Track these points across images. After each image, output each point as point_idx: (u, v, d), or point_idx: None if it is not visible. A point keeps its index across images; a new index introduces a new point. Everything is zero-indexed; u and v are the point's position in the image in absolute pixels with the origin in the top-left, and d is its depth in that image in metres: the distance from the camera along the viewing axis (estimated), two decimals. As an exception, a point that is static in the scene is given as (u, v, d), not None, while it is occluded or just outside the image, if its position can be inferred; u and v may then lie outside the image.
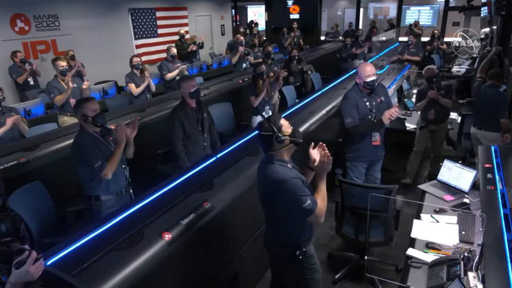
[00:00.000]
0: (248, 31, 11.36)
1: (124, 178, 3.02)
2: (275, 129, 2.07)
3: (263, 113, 4.91)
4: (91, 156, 2.74)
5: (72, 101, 4.83)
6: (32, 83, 6.33)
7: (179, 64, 6.30)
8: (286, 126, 2.11)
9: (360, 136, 3.53)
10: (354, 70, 6.86)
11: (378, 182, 3.77)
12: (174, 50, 6.22)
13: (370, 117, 3.47)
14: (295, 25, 11.32)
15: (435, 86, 4.43)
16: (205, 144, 3.70)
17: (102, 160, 2.76)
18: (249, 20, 15.54)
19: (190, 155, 3.59)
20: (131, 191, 3.08)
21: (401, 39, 10.64)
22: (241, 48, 7.36)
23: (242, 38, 7.81)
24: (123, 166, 3.02)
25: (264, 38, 10.76)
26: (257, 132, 2.15)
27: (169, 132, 3.59)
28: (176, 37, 9.86)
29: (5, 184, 3.08)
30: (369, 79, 3.37)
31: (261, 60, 6.61)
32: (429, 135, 4.64)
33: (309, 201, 1.99)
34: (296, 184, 2.01)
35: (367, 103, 3.48)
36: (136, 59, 5.56)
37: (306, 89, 7.38)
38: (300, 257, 2.13)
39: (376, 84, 3.46)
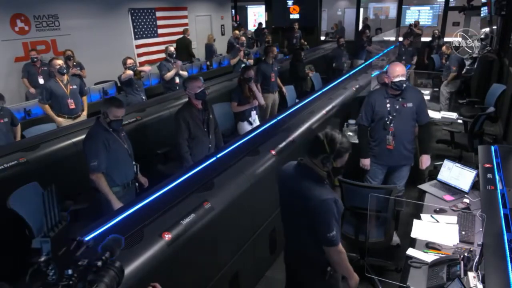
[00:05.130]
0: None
1: (132, 173, 3.19)
2: (335, 152, 1.92)
3: (250, 119, 4.77)
4: (93, 152, 2.90)
5: (70, 101, 4.83)
6: (42, 82, 6.27)
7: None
8: (342, 160, 1.97)
9: (378, 135, 3.46)
10: (354, 71, 6.90)
11: (401, 193, 3.54)
12: (171, 49, 6.21)
13: (386, 119, 3.35)
14: (296, 25, 11.38)
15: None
16: (210, 145, 3.68)
17: (99, 161, 2.90)
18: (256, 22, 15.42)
19: (195, 156, 3.57)
20: (136, 184, 3.24)
21: (401, 39, 10.66)
22: (241, 53, 7.35)
23: (243, 38, 7.78)
24: (134, 163, 3.20)
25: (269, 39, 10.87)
26: (321, 134, 1.95)
27: (175, 133, 3.59)
28: (175, 37, 9.93)
29: (5, 184, 3.08)
30: (397, 79, 3.23)
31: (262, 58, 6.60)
32: None
33: (335, 232, 1.88)
34: (333, 210, 1.87)
35: (388, 105, 3.34)
36: (130, 61, 5.57)
37: (305, 89, 7.40)
38: (331, 273, 2.05)
39: (404, 86, 3.27)
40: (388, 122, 3.35)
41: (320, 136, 1.95)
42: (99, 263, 1.11)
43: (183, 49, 9.59)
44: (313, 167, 1.97)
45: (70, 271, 1.06)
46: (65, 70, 4.82)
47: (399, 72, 3.23)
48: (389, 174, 3.59)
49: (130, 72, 5.53)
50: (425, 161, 3.52)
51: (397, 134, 3.37)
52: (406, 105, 3.33)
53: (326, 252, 1.95)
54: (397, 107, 3.33)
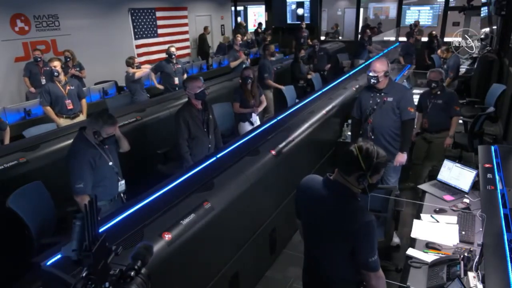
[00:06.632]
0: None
1: (117, 187, 3.00)
2: (371, 170, 1.71)
3: (251, 119, 4.80)
4: (78, 173, 2.72)
5: (68, 102, 4.84)
6: (44, 82, 6.27)
7: (179, 65, 6.29)
8: (379, 175, 1.78)
9: (363, 128, 3.63)
10: (354, 71, 6.90)
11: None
12: (172, 49, 6.21)
13: (367, 111, 3.54)
14: (303, 25, 11.53)
15: (431, 94, 4.26)
16: (209, 145, 3.69)
17: (86, 182, 2.73)
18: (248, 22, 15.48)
19: (194, 156, 3.57)
20: (122, 195, 3.07)
21: (401, 39, 10.68)
22: (243, 55, 7.38)
23: (239, 39, 7.77)
24: (119, 178, 3.00)
25: (269, 38, 10.98)
26: (353, 148, 1.73)
27: (175, 133, 3.58)
28: (175, 37, 9.97)
29: (5, 184, 3.08)
30: (369, 73, 3.44)
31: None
32: (425, 144, 4.38)
33: (377, 257, 1.72)
34: (375, 233, 1.71)
35: (371, 99, 3.52)
36: (137, 60, 5.77)
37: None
38: None
39: (375, 81, 3.41)
40: (368, 114, 3.52)
41: (353, 151, 1.72)
42: (132, 273, 1.08)
43: (201, 45, 11.17)
44: (346, 185, 1.76)
45: (107, 284, 1.05)
46: (56, 73, 4.75)
47: (372, 67, 3.42)
48: None
49: (146, 70, 5.71)
50: (398, 158, 3.51)
51: (375, 127, 3.51)
52: (387, 99, 3.47)
53: (364, 276, 1.77)
54: (378, 100, 3.49)
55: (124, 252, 1.21)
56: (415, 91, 6.33)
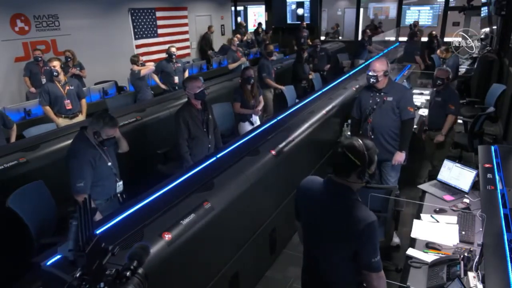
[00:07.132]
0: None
1: (115, 187, 3.01)
2: (367, 161, 1.73)
3: (251, 119, 4.81)
4: (79, 172, 2.73)
5: (67, 102, 4.83)
6: (44, 82, 6.27)
7: (179, 64, 6.30)
8: (374, 166, 1.79)
9: (363, 128, 3.64)
10: (354, 71, 6.91)
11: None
12: (172, 50, 6.22)
13: (367, 111, 3.55)
14: (304, 25, 11.57)
15: (436, 92, 4.31)
16: (209, 145, 3.69)
17: (86, 181, 2.74)
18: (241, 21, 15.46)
19: (194, 156, 3.58)
20: (119, 195, 3.08)
21: (401, 39, 10.68)
22: (243, 58, 7.38)
23: (236, 39, 7.76)
24: (117, 179, 3.01)
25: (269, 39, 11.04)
26: (341, 149, 1.75)
27: (174, 133, 3.58)
28: (175, 37, 9.98)
29: (5, 184, 3.08)
30: (369, 72, 3.46)
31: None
32: (430, 142, 4.41)
33: (379, 257, 1.72)
34: (377, 233, 1.72)
35: (370, 99, 3.54)
36: (141, 59, 5.89)
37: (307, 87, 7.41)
38: None
39: (374, 81, 3.43)
40: (368, 113, 3.54)
41: (342, 152, 1.74)
42: (128, 273, 1.08)
43: (204, 44, 11.21)
44: (347, 185, 1.77)
45: (102, 284, 1.05)
46: (56, 73, 4.74)
47: (374, 67, 3.44)
48: (380, 172, 3.66)
49: (151, 68, 5.85)
50: (397, 157, 3.53)
51: (375, 126, 3.53)
52: (386, 99, 3.49)
53: (365, 276, 1.76)
54: (378, 100, 3.51)
55: (122, 252, 1.21)
56: (415, 90, 6.35)
